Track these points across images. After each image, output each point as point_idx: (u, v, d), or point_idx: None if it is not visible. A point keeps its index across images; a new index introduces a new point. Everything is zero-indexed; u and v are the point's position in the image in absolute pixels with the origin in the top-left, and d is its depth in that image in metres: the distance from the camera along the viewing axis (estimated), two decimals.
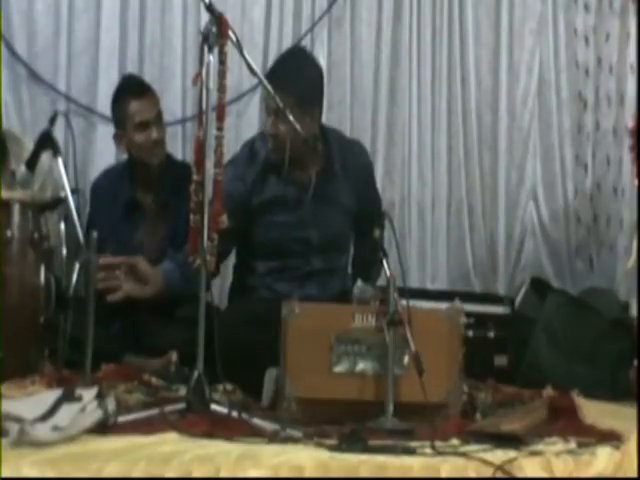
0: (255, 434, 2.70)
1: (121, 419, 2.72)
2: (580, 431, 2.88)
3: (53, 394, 2.69)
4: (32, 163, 3.53)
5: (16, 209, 3.57)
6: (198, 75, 2.95)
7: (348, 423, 2.79)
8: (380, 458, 2.48)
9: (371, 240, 3.20)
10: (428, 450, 2.59)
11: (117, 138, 4.18)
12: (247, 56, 3.08)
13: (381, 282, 3.41)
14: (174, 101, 4.88)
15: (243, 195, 3.70)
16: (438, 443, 2.63)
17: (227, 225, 3.09)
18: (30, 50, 4.80)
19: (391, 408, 2.94)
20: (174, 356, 3.66)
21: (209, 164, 2.96)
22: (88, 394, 2.70)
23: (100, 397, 2.69)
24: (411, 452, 2.56)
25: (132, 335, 3.96)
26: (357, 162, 3.91)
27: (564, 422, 3.03)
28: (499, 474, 2.44)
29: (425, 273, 5.18)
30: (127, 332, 3.98)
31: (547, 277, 5.20)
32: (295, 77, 3.64)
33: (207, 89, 2.94)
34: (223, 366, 2.96)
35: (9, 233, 3.51)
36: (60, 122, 3.60)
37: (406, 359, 3.02)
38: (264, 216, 3.74)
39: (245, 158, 3.79)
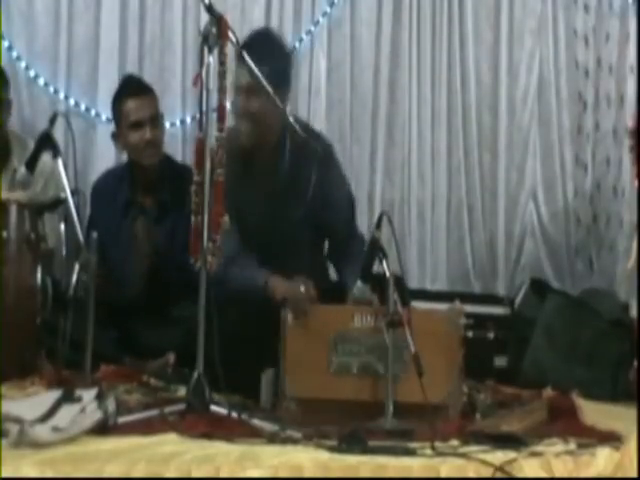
0: (255, 435, 2.70)
1: (121, 420, 2.72)
2: (580, 432, 2.88)
3: (53, 395, 2.70)
4: (32, 164, 3.53)
5: (13, 210, 3.57)
6: (198, 76, 2.95)
7: (348, 424, 2.79)
8: (380, 459, 2.48)
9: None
10: (428, 451, 2.59)
11: (115, 137, 4.18)
12: (247, 57, 3.08)
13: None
14: (174, 101, 4.88)
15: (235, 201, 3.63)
16: (438, 444, 2.63)
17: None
18: (30, 50, 4.80)
19: (391, 409, 2.94)
20: (172, 358, 3.66)
21: (209, 165, 2.96)
22: (88, 395, 2.70)
23: (100, 398, 2.69)
24: (411, 453, 2.56)
25: (130, 336, 3.96)
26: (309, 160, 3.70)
27: (564, 423, 3.03)
28: (499, 475, 2.44)
29: (425, 274, 5.18)
30: (125, 333, 3.97)
31: (547, 277, 5.19)
32: (269, 49, 3.58)
33: (207, 90, 2.94)
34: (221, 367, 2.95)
35: (5, 234, 3.51)
36: (60, 123, 3.60)
37: (406, 360, 3.01)
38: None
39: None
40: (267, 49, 3.57)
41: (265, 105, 3.48)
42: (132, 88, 4.14)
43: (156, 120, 4.12)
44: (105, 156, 4.75)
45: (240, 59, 3.37)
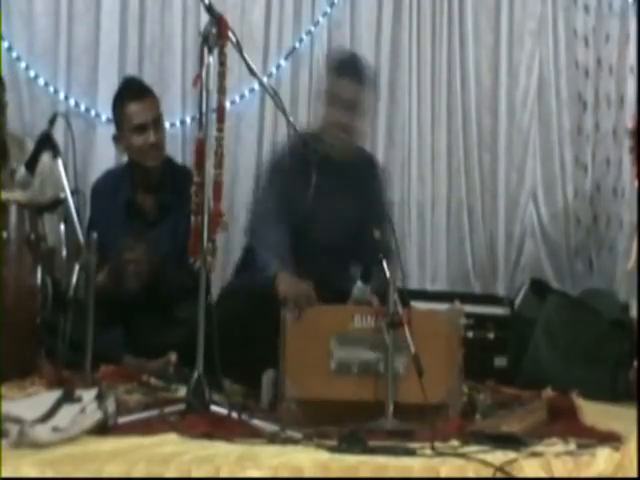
0: (255, 435, 2.70)
1: (121, 420, 2.72)
2: (580, 432, 2.88)
3: (53, 395, 2.70)
4: (31, 164, 3.53)
5: (13, 210, 3.56)
6: (198, 76, 2.95)
7: (348, 424, 2.79)
8: (380, 459, 2.48)
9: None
10: (428, 451, 2.59)
11: (116, 139, 4.18)
12: (247, 57, 3.08)
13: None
14: (174, 102, 4.88)
15: (293, 200, 3.68)
16: (438, 444, 2.62)
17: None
18: (30, 51, 4.80)
19: (391, 409, 2.94)
20: (173, 357, 3.66)
21: (209, 165, 2.96)
22: (88, 395, 2.70)
23: (100, 398, 2.69)
24: (411, 453, 2.56)
25: (131, 336, 3.96)
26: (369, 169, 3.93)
27: (564, 423, 3.03)
28: (499, 475, 2.43)
29: (425, 274, 5.19)
30: (126, 333, 3.97)
31: (547, 278, 5.20)
32: (368, 70, 3.82)
33: (207, 90, 2.94)
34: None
35: (5, 234, 3.51)
36: (60, 123, 3.60)
37: (406, 360, 3.01)
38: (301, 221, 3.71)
39: (290, 163, 3.75)
40: (366, 70, 3.79)
41: (363, 120, 3.71)
42: (134, 91, 4.14)
43: (158, 122, 4.13)
44: (105, 156, 4.75)
45: (342, 71, 3.58)
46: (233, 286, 3.85)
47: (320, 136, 3.69)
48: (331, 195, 3.68)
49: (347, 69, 3.72)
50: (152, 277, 3.93)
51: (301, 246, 3.65)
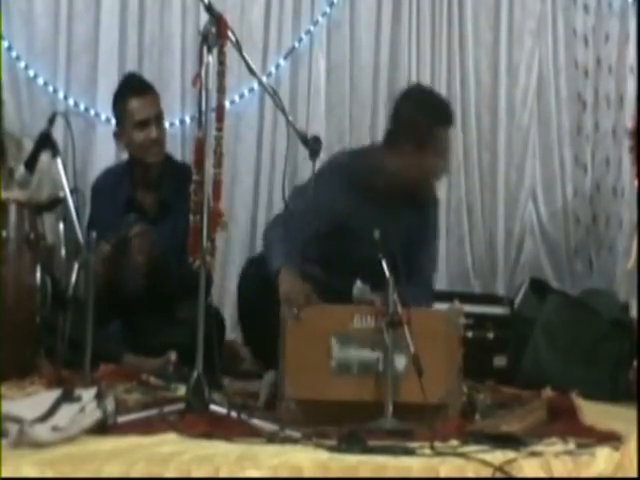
0: (254, 434, 2.69)
1: (120, 419, 2.72)
2: (579, 432, 2.87)
3: (52, 394, 2.69)
4: (31, 164, 3.53)
5: (12, 209, 3.56)
6: (198, 76, 2.95)
7: (347, 424, 2.78)
8: (379, 459, 2.47)
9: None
10: (427, 451, 2.58)
11: (117, 136, 4.18)
12: (246, 57, 3.08)
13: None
14: (173, 101, 4.89)
15: (334, 215, 3.67)
16: (437, 444, 2.62)
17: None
18: (29, 51, 4.80)
19: (390, 409, 2.93)
20: (173, 356, 3.66)
21: (208, 164, 2.96)
22: (87, 394, 2.69)
23: (99, 397, 2.68)
24: (410, 453, 2.56)
25: (131, 335, 3.96)
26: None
27: (563, 423, 3.03)
28: (498, 475, 2.43)
29: None
30: (126, 332, 3.98)
31: (546, 277, 5.20)
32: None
33: (206, 90, 2.94)
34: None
35: (5, 234, 3.51)
36: (59, 122, 3.60)
37: (405, 360, 3.01)
38: (341, 236, 3.70)
39: (341, 180, 3.71)
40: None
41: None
42: (135, 87, 4.14)
43: (160, 118, 4.13)
44: (104, 156, 4.76)
45: (441, 120, 3.61)
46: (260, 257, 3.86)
47: (381, 156, 3.70)
48: (373, 217, 3.65)
49: (445, 117, 3.68)
50: (153, 270, 3.93)
51: (332, 258, 3.65)
